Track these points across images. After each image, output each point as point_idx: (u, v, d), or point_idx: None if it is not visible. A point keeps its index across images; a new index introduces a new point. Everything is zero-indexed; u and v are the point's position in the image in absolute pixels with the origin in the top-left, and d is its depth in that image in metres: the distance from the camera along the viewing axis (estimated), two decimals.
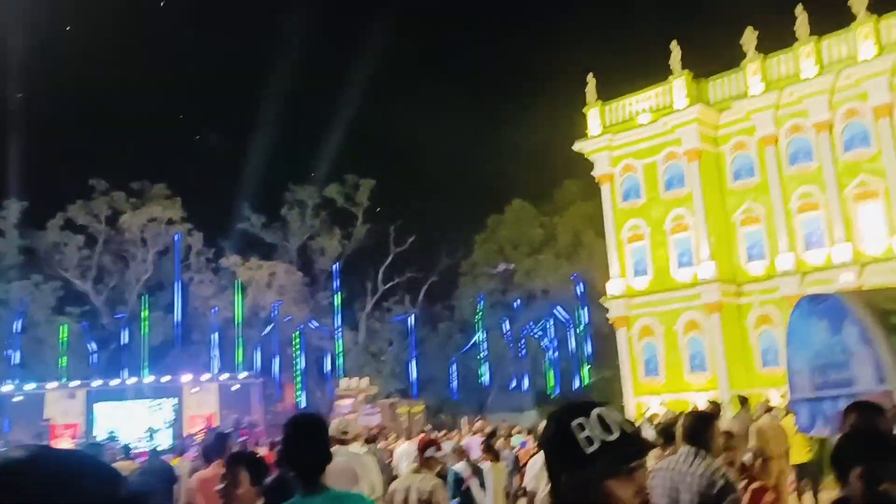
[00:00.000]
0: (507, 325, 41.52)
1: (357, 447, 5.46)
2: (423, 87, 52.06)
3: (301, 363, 37.72)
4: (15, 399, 29.85)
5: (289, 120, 45.59)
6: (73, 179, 35.87)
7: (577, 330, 40.85)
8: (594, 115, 28.77)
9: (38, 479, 1.00)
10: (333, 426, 5.62)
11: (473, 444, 10.30)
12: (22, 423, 29.13)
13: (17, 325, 32.83)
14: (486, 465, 7.43)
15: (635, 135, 27.45)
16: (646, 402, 25.87)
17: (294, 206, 40.06)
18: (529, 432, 12.88)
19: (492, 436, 9.21)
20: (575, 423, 1.55)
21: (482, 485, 7.11)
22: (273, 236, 40.12)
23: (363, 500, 3.50)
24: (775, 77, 25.21)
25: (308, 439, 3.16)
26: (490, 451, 7.89)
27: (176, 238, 36.28)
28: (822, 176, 24.00)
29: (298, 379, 37.64)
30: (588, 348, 41.08)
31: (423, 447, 5.23)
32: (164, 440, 28.49)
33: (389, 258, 40.68)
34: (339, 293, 38.93)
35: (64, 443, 27.85)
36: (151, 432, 27.33)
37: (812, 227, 24.22)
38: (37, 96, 36.44)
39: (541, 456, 9.22)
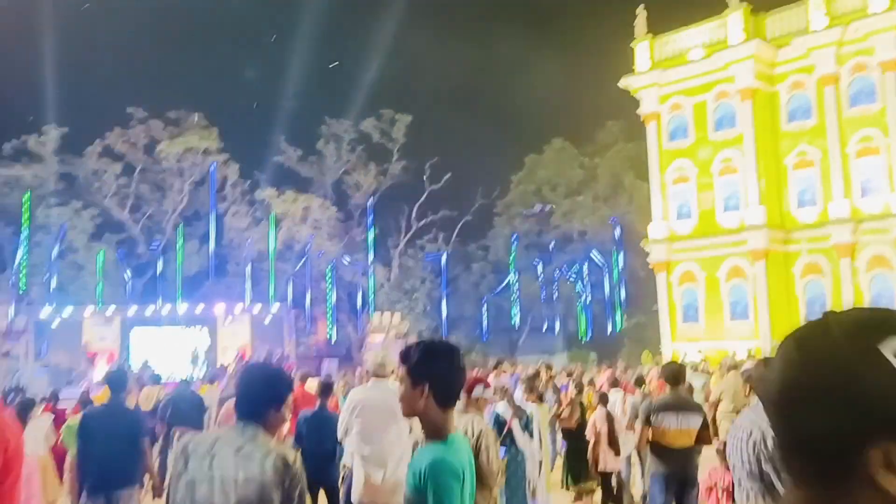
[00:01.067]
0: (540, 267, 40.95)
1: (394, 382, 5.01)
2: (464, 21, 50.61)
3: (333, 297, 37.70)
4: (53, 324, 30.29)
5: (326, 53, 44.69)
6: (111, 107, 35.75)
7: (613, 274, 40.16)
8: (643, 50, 27.52)
9: None
10: (371, 359, 5.17)
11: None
12: (60, 347, 29.60)
13: (56, 251, 33.08)
14: (531, 407, 6.95)
15: (686, 71, 26.23)
16: (683, 349, 25.35)
17: (330, 140, 39.51)
18: (569, 375, 12.37)
19: (535, 377, 8.73)
20: (890, 344, 0.78)
21: (525, 427, 6.65)
22: (308, 170, 39.71)
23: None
24: (840, 12, 23.70)
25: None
26: (533, 391, 7.41)
27: (211, 168, 36.04)
28: (884, 119, 22.71)
29: (330, 313, 37.70)
30: (622, 293, 40.45)
31: (469, 386, 4.65)
32: (199, 368, 28.87)
33: (424, 195, 40.10)
34: (373, 229, 38.59)
35: (99, 368, 28.30)
36: (195, 358, 27.61)
37: (870, 172, 23.05)
38: (75, 23, 36.02)
39: (623, 397, 8.71)
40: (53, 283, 32.63)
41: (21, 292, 31.78)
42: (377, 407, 4.98)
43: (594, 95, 42.19)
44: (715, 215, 25.60)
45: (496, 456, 4.24)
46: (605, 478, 8.50)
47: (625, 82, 27.57)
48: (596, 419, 8.83)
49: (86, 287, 33.38)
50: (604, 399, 8.93)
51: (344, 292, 39.20)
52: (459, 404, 4.44)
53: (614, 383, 9.98)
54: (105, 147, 35.12)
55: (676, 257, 26.37)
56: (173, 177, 36.03)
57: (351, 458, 5.11)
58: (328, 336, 38.52)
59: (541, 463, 7.05)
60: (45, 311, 30.21)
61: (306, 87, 39.06)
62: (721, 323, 25.13)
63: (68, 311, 30.34)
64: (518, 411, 6.79)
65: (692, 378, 13.98)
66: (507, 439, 6.79)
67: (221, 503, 2.69)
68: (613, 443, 8.73)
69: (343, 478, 6.40)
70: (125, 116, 35.37)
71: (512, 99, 44.69)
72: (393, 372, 5.08)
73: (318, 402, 6.63)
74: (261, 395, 2.93)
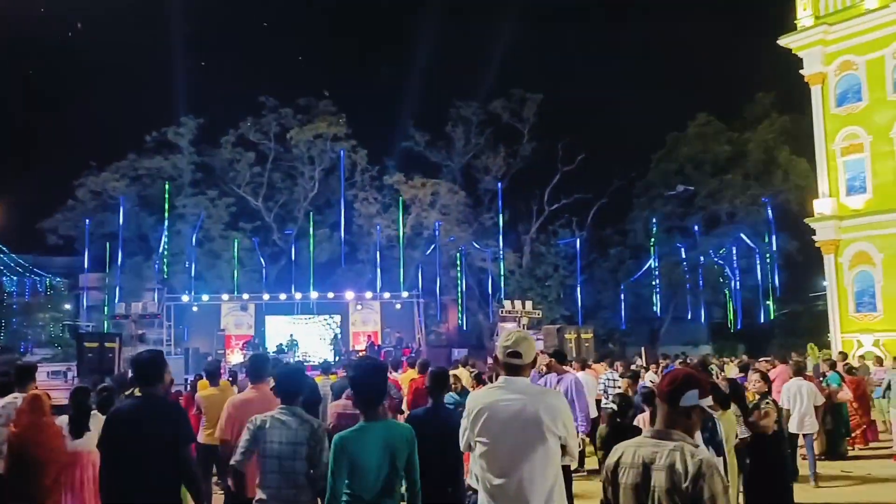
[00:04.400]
0: (684, 252, 38.05)
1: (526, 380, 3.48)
2: None
3: (463, 285, 36.68)
4: (193, 309, 31.04)
5: (453, 34, 43.68)
6: (243, 96, 36.40)
7: (766, 259, 36.68)
8: (805, 4, 24.37)
9: None
10: (501, 342, 3.62)
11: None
12: (200, 332, 30.27)
13: (194, 239, 33.95)
14: (714, 414, 5.25)
15: (858, 24, 22.93)
16: (857, 339, 22.33)
17: (458, 124, 38.48)
18: (742, 370, 10.30)
19: (703, 368, 6.92)
20: None
21: (710, 440, 4.96)
22: (437, 155, 38.85)
23: (410, 430, 4.08)
24: None
25: (368, 378, 4.04)
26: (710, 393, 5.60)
27: (341, 153, 35.85)
28: None
29: (460, 301, 36.70)
30: (776, 279, 36.92)
31: (668, 388, 2.77)
32: (326, 355, 28.68)
33: (556, 178, 38.31)
34: (503, 214, 37.19)
35: (236, 353, 28.65)
36: (291, 343, 27.69)
37: None
38: (205, 15, 36.93)
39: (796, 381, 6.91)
40: (192, 271, 33.54)
41: (164, 279, 32.88)
42: (512, 417, 3.35)
43: (741, 66, 38.89)
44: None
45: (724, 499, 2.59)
46: None
47: (785, 40, 24.48)
48: None
49: (222, 275, 34.03)
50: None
51: (474, 280, 38.13)
52: (658, 421, 2.83)
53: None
54: (239, 136, 35.66)
55: (847, 236, 23.15)
56: (304, 164, 36.12)
57: (476, 481, 3.66)
58: (458, 324, 37.60)
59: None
60: (186, 298, 31.02)
61: (433, 69, 38.15)
62: None
63: (206, 297, 31.00)
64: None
65: (893, 376, 11.65)
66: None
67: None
68: None
69: None
70: (257, 105, 35.81)
71: (650, 73, 41.78)
72: (533, 365, 3.53)
73: (430, 399, 5.18)
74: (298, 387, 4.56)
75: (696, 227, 37.53)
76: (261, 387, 5.56)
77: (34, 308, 33.73)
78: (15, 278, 36.44)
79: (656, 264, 37.85)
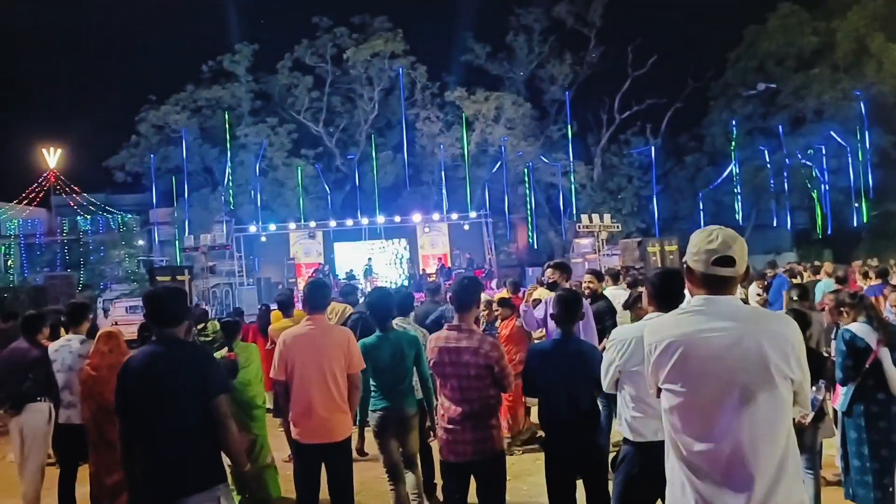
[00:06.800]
0: (767, 155, 35.74)
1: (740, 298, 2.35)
2: None
3: (531, 202, 35.47)
4: (262, 239, 30.88)
5: None
6: (296, 18, 35.19)
7: (858, 157, 34.13)
8: None
9: None
10: (698, 244, 2.42)
11: None
12: (270, 261, 30.17)
13: (258, 169, 33.52)
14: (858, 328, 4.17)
15: None
16: None
17: (520, 32, 36.57)
18: (880, 275, 8.68)
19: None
20: None
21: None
22: (498, 67, 37.16)
23: (414, 336, 5.31)
24: None
25: (381, 303, 5.27)
26: None
27: (399, 72, 34.47)
28: None
29: (530, 218, 35.57)
30: (870, 179, 34.42)
31: None
32: (397, 279, 28.36)
33: (627, 84, 36.19)
34: (572, 125, 35.46)
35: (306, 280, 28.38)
36: (368, 268, 27.42)
37: None
38: None
39: None
40: (258, 201, 33.25)
41: (231, 210, 32.72)
42: (722, 355, 2.24)
43: None
44: None
45: None
46: None
47: None
48: None
49: (288, 203, 33.66)
50: None
51: (543, 196, 36.84)
52: None
53: None
54: (294, 61, 34.63)
55: None
56: (362, 86, 34.94)
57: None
58: (529, 242, 36.59)
59: None
60: (253, 228, 30.84)
61: None
62: None
63: (273, 227, 30.76)
64: (891, 333, 4.05)
65: None
66: (871, 379, 4.10)
67: None
68: None
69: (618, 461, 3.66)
70: (311, 27, 34.56)
71: None
72: (748, 274, 2.42)
73: (558, 328, 4.15)
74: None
75: (780, 128, 35.06)
76: (316, 317, 4.94)
77: (109, 246, 34.13)
78: (89, 218, 36.85)
79: (737, 170, 35.72)
